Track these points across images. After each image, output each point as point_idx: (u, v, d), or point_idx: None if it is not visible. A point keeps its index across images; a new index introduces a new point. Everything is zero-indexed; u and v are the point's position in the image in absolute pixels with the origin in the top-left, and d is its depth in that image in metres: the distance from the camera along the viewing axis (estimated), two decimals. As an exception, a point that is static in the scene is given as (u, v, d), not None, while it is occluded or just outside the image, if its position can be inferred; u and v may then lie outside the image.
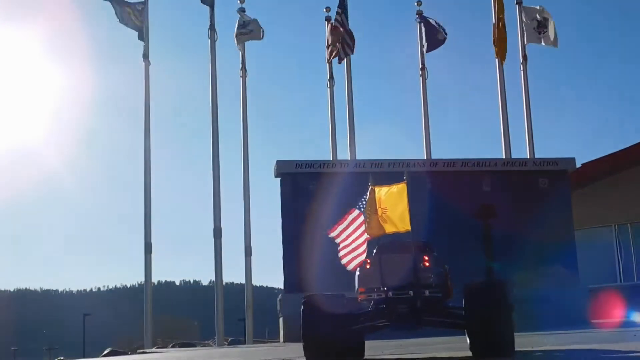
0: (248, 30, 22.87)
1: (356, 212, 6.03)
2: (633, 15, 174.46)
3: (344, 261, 6.72)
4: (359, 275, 6.08)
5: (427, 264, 5.74)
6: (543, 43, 23.75)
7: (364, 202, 6.03)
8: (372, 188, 5.98)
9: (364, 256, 5.97)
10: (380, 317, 5.78)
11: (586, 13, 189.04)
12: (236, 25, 23.03)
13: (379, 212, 5.74)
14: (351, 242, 6.20)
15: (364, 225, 5.78)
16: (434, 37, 23.60)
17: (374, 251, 6.03)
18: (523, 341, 9.45)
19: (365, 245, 5.92)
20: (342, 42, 22.83)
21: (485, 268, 19.36)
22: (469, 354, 5.47)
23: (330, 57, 23.00)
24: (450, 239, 20.34)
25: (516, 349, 6.29)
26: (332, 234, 6.72)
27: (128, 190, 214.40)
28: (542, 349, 7.38)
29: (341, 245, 6.60)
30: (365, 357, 5.99)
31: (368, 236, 5.87)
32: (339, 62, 23.04)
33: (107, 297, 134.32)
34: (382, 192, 5.83)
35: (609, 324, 17.51)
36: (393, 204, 5.59)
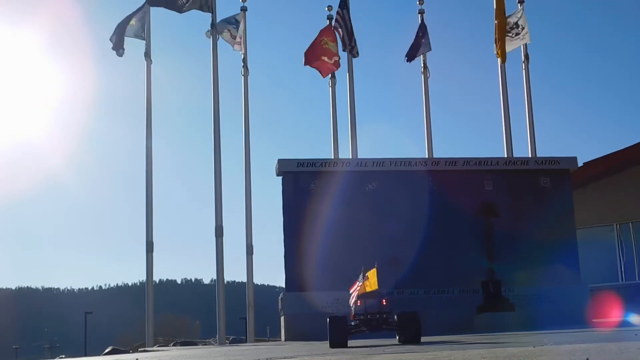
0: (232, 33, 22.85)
1: (358, 283, 11.01)
2: (636, 16, 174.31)
3: (350, 301, 11.45)
4: (354, 308, 11.05)
5: (385, 303, 10.93)
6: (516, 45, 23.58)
7: (361, 277, 10.90)
8: (363, 271, 10.93)
9: (354, 299, 11.14)
10: (363, 327, 10.88)
11: (589, 14, 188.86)
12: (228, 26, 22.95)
13: (365, 281, 10.78)
14: (353, 293, 11.26)
15: (358, 287, 10.99)
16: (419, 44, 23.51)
17: (358, 296, 11.04)
18: (523, 340, 9.44)
19: (356, 295, 11.09)
20: (344, 41, 22.82)
21: (486, 269, 19.40)
22: (399, 343, 10.45)
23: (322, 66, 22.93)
24: (452, 238, 20.40)
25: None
26: (351, 290, 11.44)
27: (129, 189, 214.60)
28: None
29: (350, 293, 11.45)
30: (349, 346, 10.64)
31: (359, 292, 10.96)
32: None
33: (109, 295, 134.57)
34: (369, 272, 10.82)
35: (609, 323, 17.51)
36: (372, 276, 10.71)
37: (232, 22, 23.07)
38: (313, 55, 22.78)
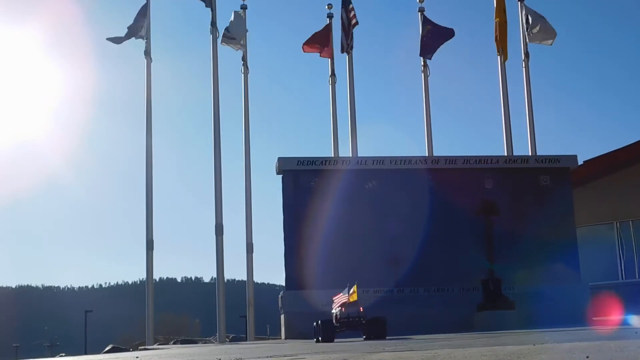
0: (232, 35, 22.77)
1: (341, 294, 13.60)
2: (637, 15, 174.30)
3: (333, 306, 14.01)
4: (340, 312, 13.47)
5: (361, 310, 13.40)
6: (536, 41, 23.60)
7: (347, 290, 13.35)
8: (349, 286, 13.34)
9: (338, 306, 13.68)
10: (345, 328, 13.41)
11: (589, 12, 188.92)
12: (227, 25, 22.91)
13: (350, 293, 13.30)
14: (338, 302, 13.74)
15: (341, 297, 13.58)
16: (440, 35, 23.46)
17: (341, 304, 13.54)
18: (523, 338, 9.45)
19: (339, 304, 13.62)
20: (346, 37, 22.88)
21: (487, 269, 19.41)
22: (366, 340, 12.79)
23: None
24: (452, 236, 20.41)
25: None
26: (334, 298, 13.98)
27: (130, 187, 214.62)
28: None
29: (334, 301, 13.94)
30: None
31: (346, 301, 13.39)
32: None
33: (109, 294, 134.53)
34: (353, 286, 13.31)
35: (609, 321, 17.50)
36: (354, 290, 13.27)
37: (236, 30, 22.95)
38: (311, 45, 23.01)
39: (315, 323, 13.69)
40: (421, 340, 10.84)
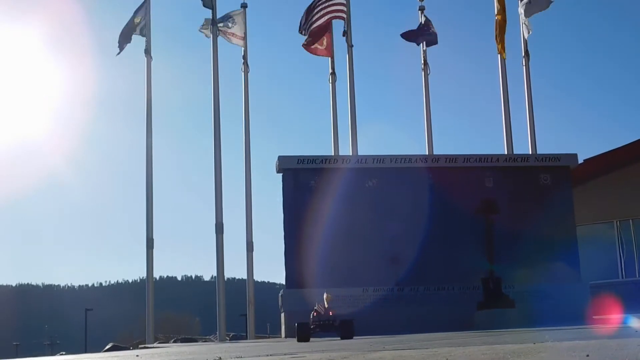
0: (231, 30, 22.80)
1: (318, 304, 15.19)
2: (637, 14, 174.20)
3: (319, 307, 15.33)
4: (314, 316, 15.04)
5: (331, 314, 14.85)
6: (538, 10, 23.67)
7: (325, 297, 15.05)
8: (326, 297, 15.14)
9: (312, 312, 15.31)
10: (318, 329, 14.75)
11: (589, 11, 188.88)
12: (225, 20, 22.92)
13: (323, 301, 14.97)
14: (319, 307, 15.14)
15: (321, 307, 15.12)
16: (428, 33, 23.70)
17: (315, 309, 15.13)
18: (524, 337, 9.45)
19: (313, 310, 15.29)
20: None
21: (487, 270, 19.41)
22: (338, 339, 14.06)
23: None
24: (452, 235, 20.40)
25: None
26: (316, 308, 15.38)
27: (130, 186, 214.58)
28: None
29: (315, 309, 15.28)
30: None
31: (324, 309, 15.00)
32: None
33: (109, 292, 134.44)
34: (326, 298, 15.00)
35: (609, 320, 17.50)
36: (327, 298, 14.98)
37: (227, 18, 23.01)
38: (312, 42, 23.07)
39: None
40: (390, 341, 10.67)
